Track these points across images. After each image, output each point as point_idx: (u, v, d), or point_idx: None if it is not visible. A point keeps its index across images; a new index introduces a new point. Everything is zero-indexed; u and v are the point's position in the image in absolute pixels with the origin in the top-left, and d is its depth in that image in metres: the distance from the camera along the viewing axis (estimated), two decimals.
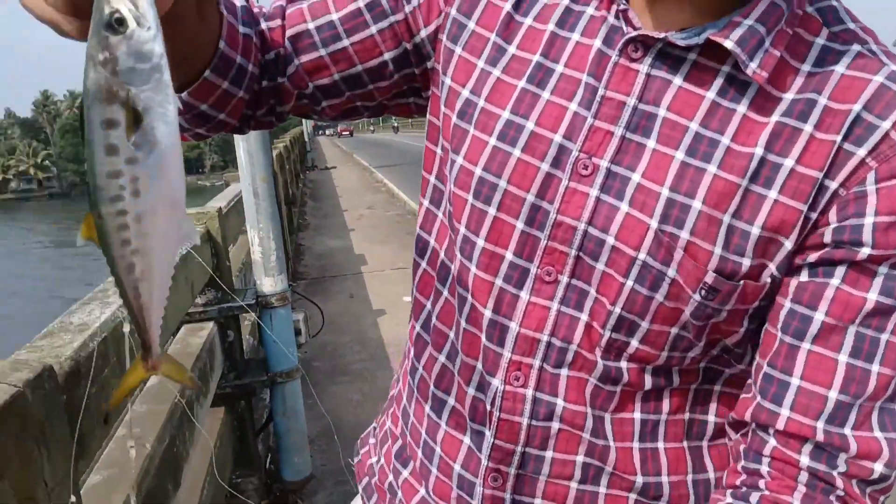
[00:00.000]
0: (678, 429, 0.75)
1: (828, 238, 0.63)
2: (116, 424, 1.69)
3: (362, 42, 0.79)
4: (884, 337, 0.62)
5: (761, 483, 0.65)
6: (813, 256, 0.64)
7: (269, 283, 3.26)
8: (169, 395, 2.14)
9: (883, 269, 0.61)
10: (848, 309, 0.62)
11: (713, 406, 0.75)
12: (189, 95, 0.73)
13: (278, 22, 0.80)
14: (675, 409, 0.74)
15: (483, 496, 0.78)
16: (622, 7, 0.68)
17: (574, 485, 0.75)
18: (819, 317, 0.63)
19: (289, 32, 0.79)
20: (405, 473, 0.88)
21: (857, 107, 0.62)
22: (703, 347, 0.70)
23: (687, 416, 0.75)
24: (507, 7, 0.74)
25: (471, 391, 0.78)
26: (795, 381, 0.64)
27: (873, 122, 0.62)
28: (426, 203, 0.84)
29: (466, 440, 0.79)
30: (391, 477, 0.90)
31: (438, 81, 0.79)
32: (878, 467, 0.62)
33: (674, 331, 0.68)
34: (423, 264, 0.85)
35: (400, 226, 9.84)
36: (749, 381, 0.70)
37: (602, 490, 0.75)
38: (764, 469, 0.66)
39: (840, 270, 0.63)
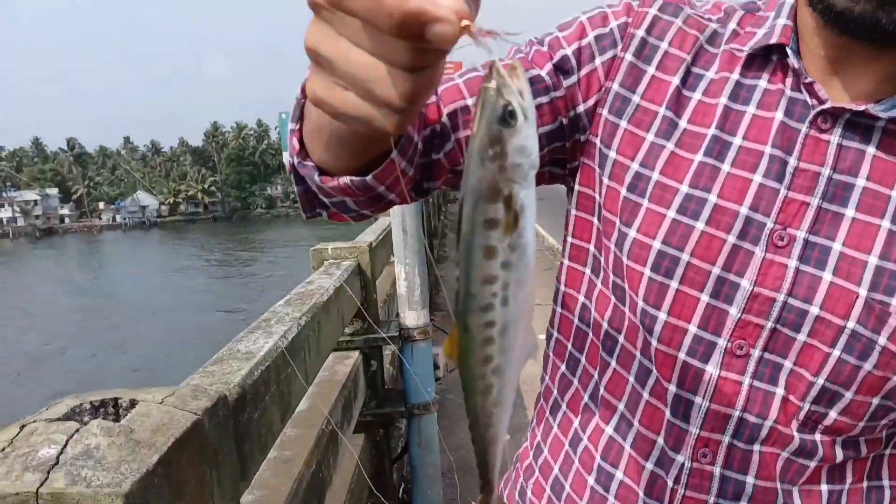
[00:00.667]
0: (857, 497, 0.73)
1: None
2: (271, 447, 1.80)
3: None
4: None
5: None
6: None
7: (412, 316, 3.36)
8: (317, 420, 2.26)
9: None
10: None
11: (885, 471, 0.75)
12: (374, 178, 0.66)
13: (433, 98, 0.78)
14: (857, 478, 0.74)
15: None
16: (807, 80, 0.68)
17: None
18: None
19: (447, 109, 0.77)
20: None
21: None
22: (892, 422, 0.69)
23: (865, 483, 0.74)
24: (676, 81, 0.75)
25: (649, 465, 0.76)
26: None
27: None
28: (578, 266, 0.83)
29: None
30: None
31: (594, 154, 0.79)
32: None
33: (875, 401, 0.67)
34: (583, 329, 0.83)
35: (539, 261, 9.79)
36: None
37: None
38: None
39: None
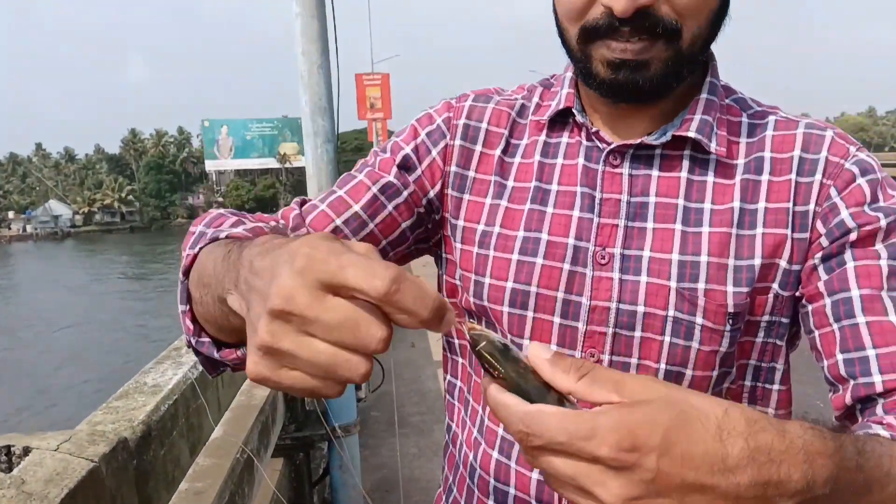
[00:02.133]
0: None
1: (825, 242, 0.77)
2: (180, 480, 1.75)
3: (384, 221, 0.89)
4: None
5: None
6: (823, 259, 0.77)
7: None
8: (232, 448, 2.21)
9: (879, 239, 0.76)
10: (872, 277, 0.74)
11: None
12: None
13: (304, 231, 0.87)
14: None
15: None
16: (593, 130, 0.84)
17: None
18: (856, 293, 0.74)
19: None
20: None
21: (796, 152, 0.81)
22: (735, 376, 0.82)
23: None
24: (498, 152, 0.90)
25: (534, 476, 0.85)
26: (872, 352, 0.72)
27: (814, 157, 0.80)
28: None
29: None
30: None
31: (448, 226, 0.92)
32: None
33: (714, 373, 0.80)
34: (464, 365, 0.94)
35: None
36: (832, 386, 0.77)
37: None
38: (886, 421, 0.69)
39: (848, 254, 0.76)
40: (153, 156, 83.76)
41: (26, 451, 0.99)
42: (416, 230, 0.92)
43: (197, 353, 0.75)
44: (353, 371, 0.45)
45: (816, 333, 0.78)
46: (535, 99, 0.92)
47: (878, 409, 0.71)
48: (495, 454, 0.88)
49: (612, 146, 0.83)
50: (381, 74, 21.92)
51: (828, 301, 0.76)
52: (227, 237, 0.69)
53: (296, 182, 67.72)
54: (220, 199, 78.28)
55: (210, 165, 62.19)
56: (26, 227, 73.13)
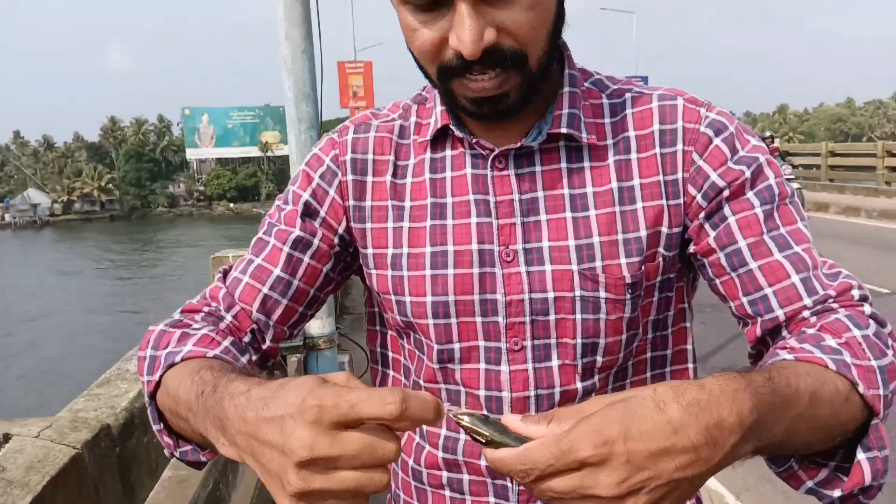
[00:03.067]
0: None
1: (703, 203, 0.85)
2: (164, 468, 1.73)
3: (305, 273, 0.94)
4: (783, 230, 0.83)
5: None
6: (706, 218, 0.86)
7: (317, 325, 3.31)
8: None
9: (748, 189, 0.84)
10: (752, 226, 0.83)
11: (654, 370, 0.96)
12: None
13: (238, 307, 0.91)
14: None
15: None
16: (473, 140, 0.88)
17: None
18: (743, 243, 0.84)
19: (255, 305, 0.91)
20: None
21: (655, 126, 0.88)
22: (642, 335, 0.91)
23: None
24: (388, 179, 0.94)
25: (484, 462, 0.90)
26: (769, 290, 0.83)
27: (672, 128, 0.87)
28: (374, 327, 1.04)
29: (492, 499, 0.93)
30: None
31: (360, 255, 0.96)
32: (855, 293, 0.80)
33: (623, 336, 0.89)
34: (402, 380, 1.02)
35: None
36: (743, 322, 0.87)
37: None
38: (789, 345, 0.76)
39: (727, 209, 0.84)
40: (133, 144, 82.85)
41: (6, 437, 0.97)
42: (338, 267, 0.97)
43: (182, 458, 0.84)
44: (378, 484, 0.56)
45: (718, 282, 0.87)
46: (413, 118, 0.97)
47: (784, 335, 0.82)
48: (441, 454, 0.94)
49: (495, 152, 0.88)
50: (363, 62, 21.80)
51: (721, 255, 0.85)
52: (182, 359, 0.78)
53: (277, 171, 67.31)
54: (202, 188, 77.72)
55: (191, 154, 61.67)
56: (4, 216, 72.21)
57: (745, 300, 0.85)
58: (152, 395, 0.80)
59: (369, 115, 1.00)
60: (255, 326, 0.92)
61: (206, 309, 0.92)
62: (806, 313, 0.81)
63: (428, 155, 0.93)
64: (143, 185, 78.63)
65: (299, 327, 0.99)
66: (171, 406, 0.76)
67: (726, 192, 0.84)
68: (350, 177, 0.95)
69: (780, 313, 0.82)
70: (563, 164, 0.89)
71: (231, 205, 74.18)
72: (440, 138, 0.93)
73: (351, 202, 0.95)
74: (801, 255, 0.82)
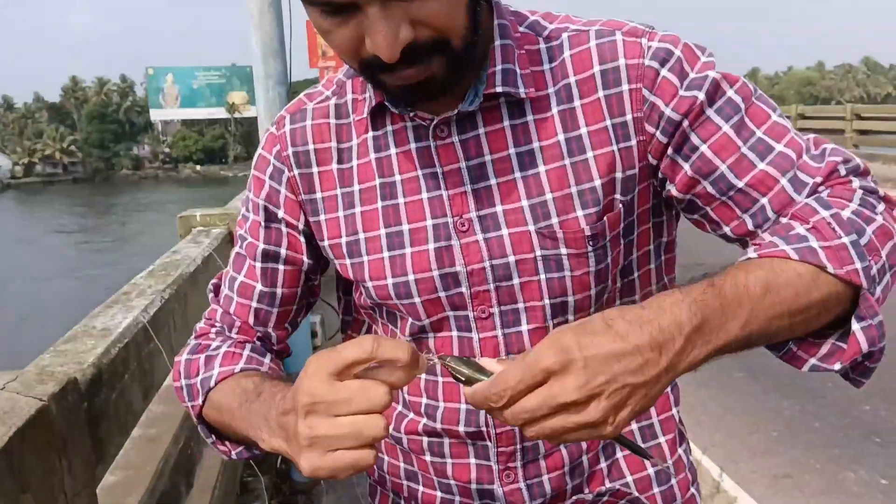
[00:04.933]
0: None
1: (664, 139, 0.82)
2: (134, 426, 1.72)
3: (285, 279, 0.96)
4: (759, 134, 0.81)
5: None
6: (676, 153, 0.83)
7: None
8: None
9: (707, 111, 0.81)
10: (726, 146, 0.81)
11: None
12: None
13: (238, 322, 0.97)
14: None
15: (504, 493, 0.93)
16: (412, 113, 0.85)
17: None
18: (723, 166, 0.81)
19: (250, 320, 0.97)
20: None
21: (596, 68, 0.83)
22: (611, 285, 0.89)
23: None
24: (334, 166, 0.92)
25: (462, 428, 0.91)
26: (764, 200, 0.81)
27: (614, 66, 0.83)
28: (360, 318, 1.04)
29: (472, 460, 0.93)
30: None
31: (323, 250, 0.96)
32: (842, 169, 0.80)
33: (592, 292, 0.88)
34: None
35: None
36: (741, 242, 0.86)
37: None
38: (758, 240, 0.78)
39: (694, 139, 0.81)
40: (95, 104, 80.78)
41: None
42: (318, 262, 0.98)
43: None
44: (376, 428, 0.62)
45: (708, 210, 0.85)
46: (349, 95, 0.94)
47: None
48: (422, 420, 0.94)
49: (435, 121, 0.85)
50: None
51: (706, 184, 0.83)
52: (216, 383, 0.88)
53: (245, 132, 66.13)
54: (167, 150, 76.29)
55: (155, 115, 60.40)
56: None
57: (745, 217, 0.82)
58: (199, 416, 0.91)
59: (304, 100, 0.97)
60: (259, 334, 0.98)
61: (214, 329, 0.99)
62: (801, 212, 0.79)
63: (370, 134, 0.91)
64: (107, 146, 76.84)
65: (301, 318, 1.03)
66: (217, 419, 0.88)
67: (685, 123, 0.81)
68: (296, 171, 0.93)
69: (773, 217, 0.81)
70: (506, 123, 0.85)
71: (198, 167, 72.94)
72: (379, 113, 0.90)
73: (303, 196, 0.94)
74: (785, 152, 0.80)
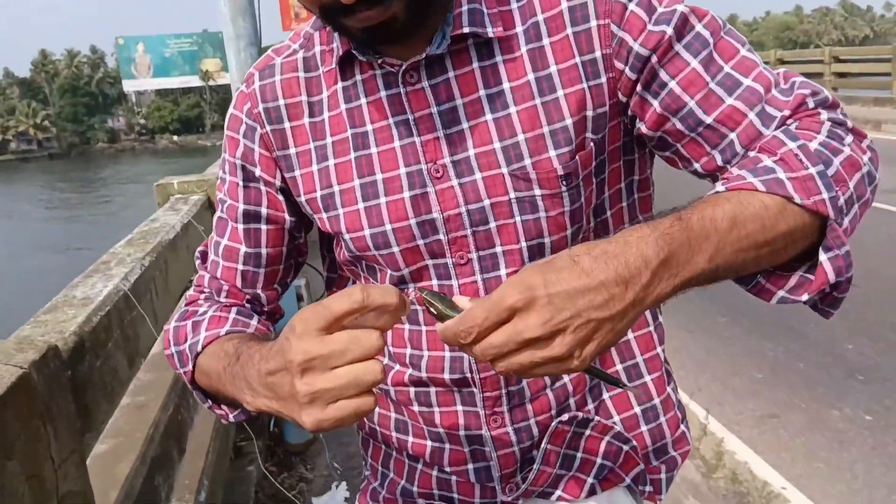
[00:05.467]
0: None
1: (633, 75, 0.81)
2: (121, 394, 1.72)
3: (269, 239, 0.96)
4: (727, 69, 0.80)
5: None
6: (644, 90, 0.82)
7: None
8: None
9: (675, 46, 0.80)
10: (695, 82, 0.80)
11: None
12: None
13: (225, 286, 0.97)
14: None
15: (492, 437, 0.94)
16: (380, 60, 0.84)
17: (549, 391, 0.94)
18: (692, 102, 0.80)
19: (238, 282, 0.97)
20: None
21: (563, 5, 0.82)
22: (585, 225, 0.89)
23: None
24: (306, 120, 0.91)
25: (447, 376, 0.92)
26: (733, 135, 0.80)
27: (581, 3, 0.81)
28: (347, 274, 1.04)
29: (460, 407, 0.94)
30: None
31: (301, 205, 0.95)
32: (810, 102, 0.79)
33: (568, 232, 0.87)
34: None
35: None
36: (710, 177, 0.85)
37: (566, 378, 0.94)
38: (727, 174, 0.78)
39: (663, 75, 0.81)
40: (67, 78, 79.27)
41: None
42: (301, 220, 0.98)
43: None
44: (373, 373, 0.63)
45: (678, 146, 0.84)
46: (317, 47, 0.92)
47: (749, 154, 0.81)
48: (408, 371, 0.95)
49: (403, 67, 0.84)
50: None
51: (675, 120, 0.82)
52: (203, 347, 0.88)
53: (221, 100, 65.22)
54: (143, 121, 75.14)
55: (128, 86, 59.28)
56: None
57: (714, 153, 0.82)
58: (192, 381, 0.91)
59: (271, 55, 0.96)
60: (248, 297, 0.98)
61: (203, 295, 0.99)
62: (769, 145, 0.79)
63: (340, 84, 0.89)
64: (81, 120, 75.61)
65: (290, 278, 1.03)
66: (207, 383, 0.88)
67: (654, 59, 0.80)
68: (269, 127, 0.92)
69: (742, 152, 0.81)
70: (476, 65, 0.84)
71: (175, 137, 72.06)
72: (348, 63, 0.88)
73: (277, 153, 0.93)
74: (752, 86, 0.80)
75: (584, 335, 0.62)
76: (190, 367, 0.90)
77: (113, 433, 1.73)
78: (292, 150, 0.92)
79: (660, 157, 0.90)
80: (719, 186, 0.74)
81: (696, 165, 0.85)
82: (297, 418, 0.66)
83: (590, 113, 0.84)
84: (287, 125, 0.92)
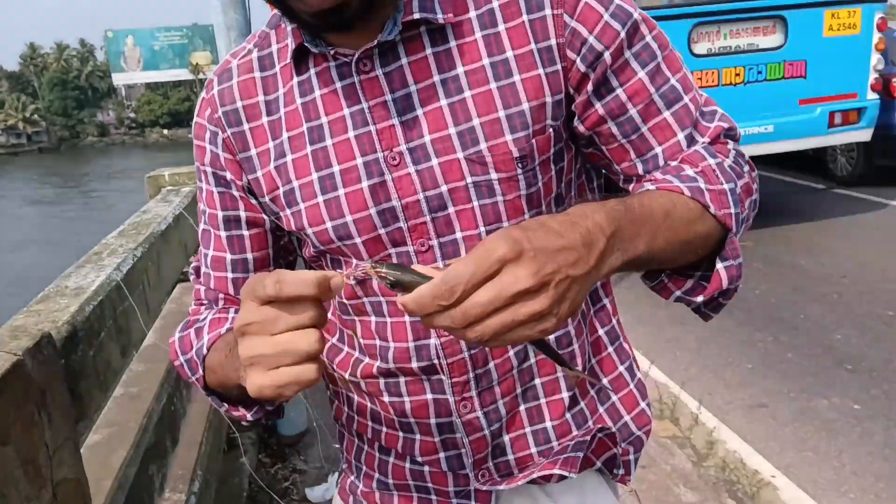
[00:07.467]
0: None
1: (583, 68, 0.82)
2: (114, 384, 1.72)
3: (252, 242, 0.97)
4: (672, 81, 0.85)
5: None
6: (593, 91, 0.84)
7: None
8: (165, 354, 2.18)
9: (626, 51, 0.83)
10: (640, 92, 0.84)
11: None
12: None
13: (221, 296, 0.98)
14: None
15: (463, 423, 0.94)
16: (332, 52, 0.84)
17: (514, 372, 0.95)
18: (633, 111, 0.84)
19: (231, 290, 0.98)
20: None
21: None
22: (546, 212, 0.89)
23: None
24: (264, 120, 0.91)
25: (414, 364, 0.92)
26: (659, 149, 0.86)
27: None
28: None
29: (429, 395, 0.94)
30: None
31: (263, 204, 0.95)
32: (723, 135, 0.87)
33: (527, 216, 0.87)
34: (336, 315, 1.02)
35: None
36: (628, 180, 0.90)
37: (532, 359, 0.95)
38: (652, 177, 0.85)
39: (612, 81, 0.83)
40: (56, 71, 78.69)
41: None
42: (274, 218, 0.96)
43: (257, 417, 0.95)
44: (308, 341, 0.64)
45: (605, 149, 0.88)
46: (274, 45, 0.92)
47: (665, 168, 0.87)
48: (376, 363, 0.95)
49: (356, 56, 0.83)
50: None
51: (611, 124, 0.85)
52: (208, 349, 0.89)
53: None
54: (133, 115, 74.71)
55: (118, 79, 59.05)
56: None
57: (637, 160, 0.87)
58: (206, 387, 0.92)
59: (229, 59, 0.96)
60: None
61: (203, 307, 1.00)
62: (682, 163, 0.86)
63: (296, 79, 0.89)
64: (70, 114, 75.11)
65: None
66: (216, 381, 0.88)
67: (607, 58, 0.82)
68: (230, 131, 0.92)
69: (663, 165, 0.86)
70: (429, 51, 0.84)
71: (165, 131, 71.67)
72: (303, 58, 0.88)
73: (240, 155, 0.92)
74: (688, 105, 0.85)
75: (563, 291, 0.63)
76: (200, 372, 0.90)
77: (106, 423, 1.73)
78: (253, 152, 0.92)
79: (582, 151, 0.93)
80: (649, 185, 0.80)
81: (617, 167, 0.89)
82: (247, 386, 0.67)
83: (548, 99, 0.84)
84: (246, 127, 0.92)
